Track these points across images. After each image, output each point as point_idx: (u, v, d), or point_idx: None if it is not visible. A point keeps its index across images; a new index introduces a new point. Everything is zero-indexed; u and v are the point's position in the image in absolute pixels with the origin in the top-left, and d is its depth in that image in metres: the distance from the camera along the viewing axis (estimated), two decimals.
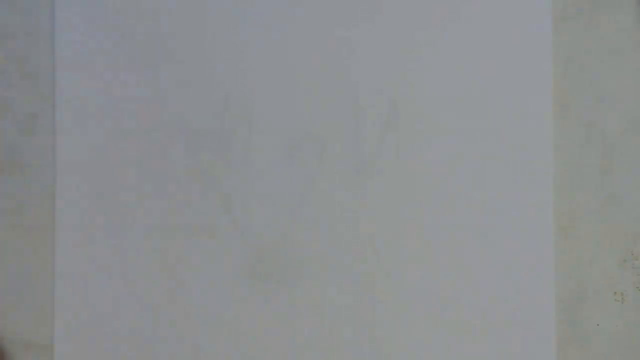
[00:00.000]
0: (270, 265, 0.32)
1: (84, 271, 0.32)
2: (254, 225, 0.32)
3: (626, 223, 0.32)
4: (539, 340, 0.32)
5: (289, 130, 0.32)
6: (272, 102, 0.32)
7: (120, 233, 0.32)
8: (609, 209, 0.32)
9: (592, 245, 0.32)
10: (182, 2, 0.32)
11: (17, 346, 0.31)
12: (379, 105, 0.32)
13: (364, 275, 0.32)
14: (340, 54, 0.32)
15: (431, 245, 0.32)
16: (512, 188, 0.32)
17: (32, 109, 0.33)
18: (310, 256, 0.32)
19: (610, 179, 0.32)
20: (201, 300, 0.31)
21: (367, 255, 0.32)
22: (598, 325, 0.32)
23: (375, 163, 0.32)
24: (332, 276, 0.32)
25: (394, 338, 0.32)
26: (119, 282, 0.32)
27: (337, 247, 0.32)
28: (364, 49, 0.32)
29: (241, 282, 0.32)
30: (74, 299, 0.32)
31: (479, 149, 0.32)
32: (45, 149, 0.32)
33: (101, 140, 0.32)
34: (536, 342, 0.32)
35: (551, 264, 0.32)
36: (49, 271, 0.32)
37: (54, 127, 0.32)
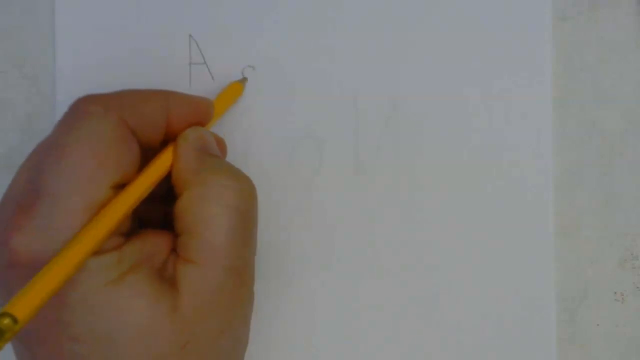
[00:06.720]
0: (271, 265, 0.32)
1: None
2: None
3: (626, 223, 0.32)
4: (539, 340, 0.32)
5: (289, 130, 0.32)
6: (271, 102, 0.32)
7: None
8: (609, 209, 0.32)
9: (592, 245, 0.32)
10: (183, 3, 0.32)
11: None
12: (379, 105, 0.32)
13: (365, 275, 0.32)
14: (340, 54, 0.32)
15: (431, 245, 0.32)
16: (512, 188, 0.32)
17: (32, 109, 0.33)
18: (310, 256, 0.32)
19: (610, 179, 0.32)
20: None
21: (368, 255, 0.32)
22: (598, 325, 0.32)
23: (375, 163, 0.32)
24: (332, 276, 0.32)
25: (394, 337, 0.32)
26: None
27: (337, 247, 0.32)
28: (364, 48, 0.32)
29: None
30: None
31: (478, 148, 0.32)
32: None
33: None
34: (536, 342, 0.32)
35: (551, 264, 0.32)
36: None
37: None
